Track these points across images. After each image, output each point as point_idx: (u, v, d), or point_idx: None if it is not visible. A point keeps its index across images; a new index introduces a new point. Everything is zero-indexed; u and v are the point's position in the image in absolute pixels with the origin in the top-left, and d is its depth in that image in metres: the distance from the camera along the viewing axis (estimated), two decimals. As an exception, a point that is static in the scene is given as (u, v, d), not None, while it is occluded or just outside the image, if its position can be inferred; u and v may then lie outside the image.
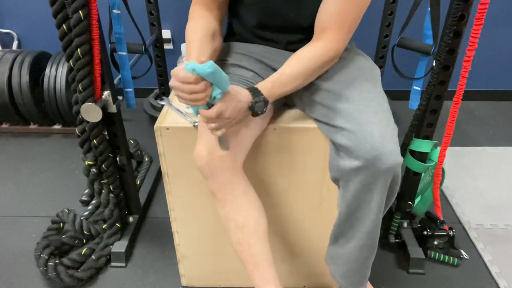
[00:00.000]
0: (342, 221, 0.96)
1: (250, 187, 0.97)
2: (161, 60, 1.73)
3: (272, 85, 0.88)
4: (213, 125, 0.80)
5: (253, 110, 0.84)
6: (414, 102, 1.34)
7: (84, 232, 1.41)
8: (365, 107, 0.88)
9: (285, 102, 1.06)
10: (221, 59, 1.03)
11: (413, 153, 1.24)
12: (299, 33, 0.99)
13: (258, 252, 0.95)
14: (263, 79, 1.00)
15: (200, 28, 0.93)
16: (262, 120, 0.95)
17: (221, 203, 0.94)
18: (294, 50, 1.02)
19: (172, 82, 0.76)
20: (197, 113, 0.81)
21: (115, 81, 1.30)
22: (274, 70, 1.04)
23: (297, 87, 0.92)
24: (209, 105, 0.79)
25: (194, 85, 0.74)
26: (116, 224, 1.39)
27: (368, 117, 0.86)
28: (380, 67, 1.69)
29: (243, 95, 0.83)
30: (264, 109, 0.86)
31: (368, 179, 0.85)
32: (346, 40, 0.91)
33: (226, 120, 0.80)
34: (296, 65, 0.90)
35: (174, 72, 0.75)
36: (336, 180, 0.94)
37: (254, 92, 0.85)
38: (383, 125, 0.85)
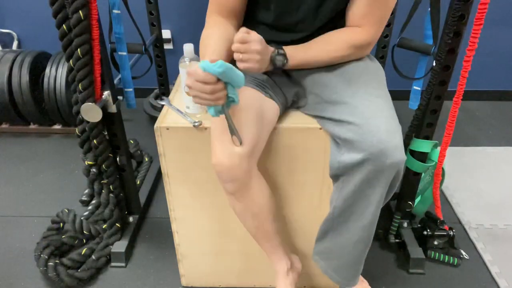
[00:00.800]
0: (336, 216, 0.96)
1: (261, 178, 0.99)
2: (161, 60, 1.73)
3: (296, 48, 0.94)
4: (242, 55, 0.83)
5: (274, 62, 0.91)
6: (414, 102, 1.34)
7: (84, 232, 1.41)
8: (370, 103, 0.88)
9: (289, 105, 1.06)
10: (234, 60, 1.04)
11: (413, 153, 1.24)
12: (313, 34, 0.99)
13: (270, 229, 1.04)
14: (274, 82, 1.01)
15: (217, 33, 0.93)
16: (271, 119, 0.96)
17: (238, 200, 0.96)
18: None
19: (191, 83, 0.75)
20: (217, 113, 0.81)
21: (115, 81, 1.30)
22: (284, 73, 1.04)
23: (318, 61, 0.96)
24: (228, 106, 0.80)
25: (215, 85, 0.74)
26: (116, 224, 1.39)
27: (374, 112, 0.86)
28: (380, 67, 1.69)
29: (269, 48, 0.90)
30: (284, 63, 0.92)
31: (370, 173, 0.85)
32: (379, 32, 0.94)
33: (253, 52, 0.84)
34: (324, 42, 0.95)
35: (191, 72, 0.74)
36: (335, 176, 0.95)
37: (276, 47, 0.92)
38: (389, 120, 0.85)
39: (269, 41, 1.02)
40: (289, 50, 0.93)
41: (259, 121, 0.90)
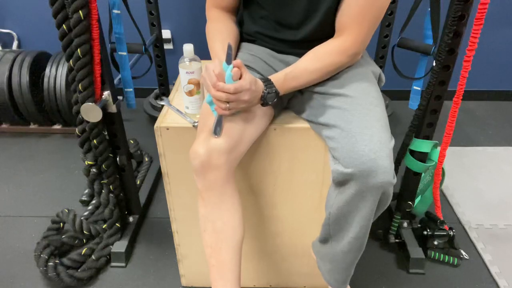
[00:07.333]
0: (332, 222, 0.96)
1: (237, 193, 0.95)
2: (161, 60, 1.73)
3: (285, 78, 0.91)
4: (226, 105, 0.83)
5: (264, 100, 0.88)
6: (414, 102, 1.34)
7: (84, 232, 1.41)
8: (363, 115, 0.87)
9: (286, 106, 1.06)
10: None
11: (413, 153, 1.24)
12: (317, 29, 0.97)
13: (227, 261, 0.93)
14: None
15: (221, 28, 1.00)
16: (260, 124, 0.95)
17: (204, 202, 0.93)
18: (295, 52, 1.02)
19: (204, 71, 0.86)
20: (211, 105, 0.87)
21: (115, 81, 1.30)
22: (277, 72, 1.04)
23: (311, 82, 0.94)
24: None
25: (211, 78, 0.82)
26: (116, 224, 1.39)
27: (361, 128, 0.85)
28: (380, 67, 1.69)
29: (259, 85, 0.88)
30: (275, 100, 0.90)
31: (358, 191, 0.85)
32: (366, 40, 0.92)
33: (241, 102, 0.83)
34: (311, 61, 0.92)
35: (210, 66, 0.84)
36: (332, 181, 0.94)
37: (267, 83, 0.89)
38: (376, 136, 0.84)
39: (271, 38, 1.02)
40: (278, 82, 0.90)
41: (246, 118, 0.91)
